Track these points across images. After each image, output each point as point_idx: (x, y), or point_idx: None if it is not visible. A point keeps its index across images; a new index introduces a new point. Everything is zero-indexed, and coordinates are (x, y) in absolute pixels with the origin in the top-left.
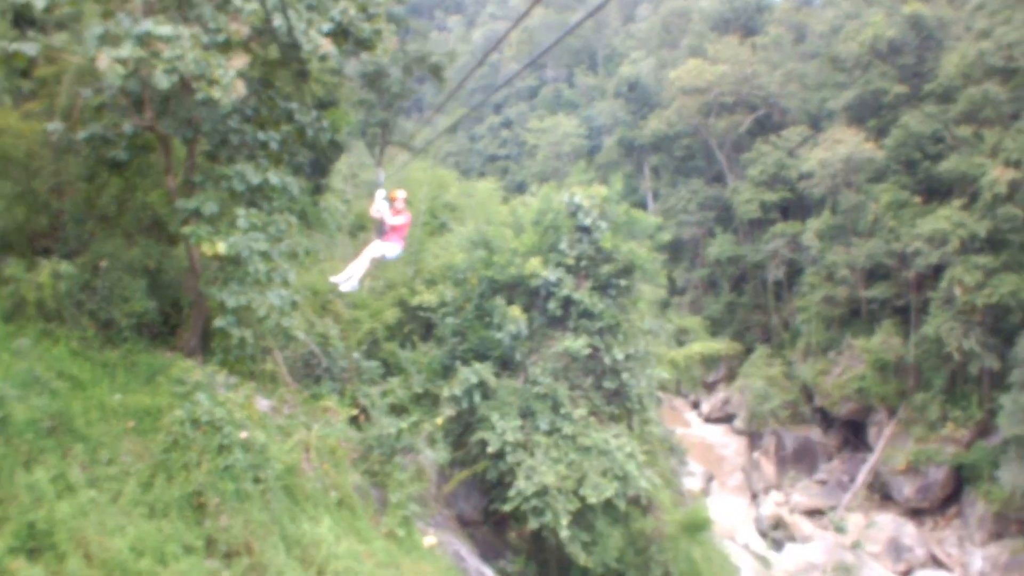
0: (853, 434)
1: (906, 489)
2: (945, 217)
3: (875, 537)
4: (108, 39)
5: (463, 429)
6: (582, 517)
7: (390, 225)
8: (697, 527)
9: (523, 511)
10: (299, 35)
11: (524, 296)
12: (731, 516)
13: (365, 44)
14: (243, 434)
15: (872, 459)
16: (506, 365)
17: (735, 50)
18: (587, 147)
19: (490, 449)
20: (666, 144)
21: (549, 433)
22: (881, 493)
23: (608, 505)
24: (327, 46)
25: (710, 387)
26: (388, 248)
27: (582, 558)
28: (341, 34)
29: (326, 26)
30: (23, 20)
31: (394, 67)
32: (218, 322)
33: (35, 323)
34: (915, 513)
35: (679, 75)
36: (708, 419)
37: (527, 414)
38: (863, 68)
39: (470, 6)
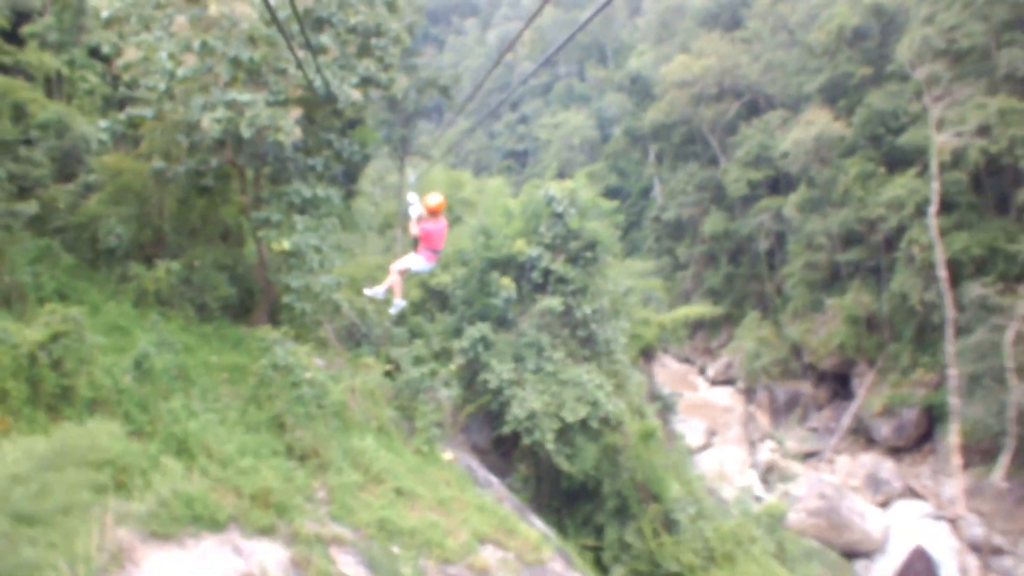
0: (841, 386)
1: (884, 430)
2: (902, 185)
3: (856, 473)
4: (207, 106)
5: (471, 374)
6: (564, 435)
7: (415, 235)
8: (649, 436)
9: (518, 432)
10: (335, 90)
11: (513, 269)
12: (732, 464)
13: (384, 87)
14: (308, 374)
15: (854, 406)
16: (502, 323)
17: (718, 44)
18: (598, 138)
19: (491, 386)
20: (664, 132)
21: (535, 372)
22: (864, 436)
23: (583, 424)
24: (356, 95)
25: (714, 353)
26: (414, 261)
27: (566, 466)
28: (366, 83)
29: (354, 79)
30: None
31: (410, 90)
32: (285, 299)
33: (154, 308)
34: (894, 451)
35: (669, 70)
36: (713, 382)
37: (518, 359)
38: (831, 54)
39: (484, 8)
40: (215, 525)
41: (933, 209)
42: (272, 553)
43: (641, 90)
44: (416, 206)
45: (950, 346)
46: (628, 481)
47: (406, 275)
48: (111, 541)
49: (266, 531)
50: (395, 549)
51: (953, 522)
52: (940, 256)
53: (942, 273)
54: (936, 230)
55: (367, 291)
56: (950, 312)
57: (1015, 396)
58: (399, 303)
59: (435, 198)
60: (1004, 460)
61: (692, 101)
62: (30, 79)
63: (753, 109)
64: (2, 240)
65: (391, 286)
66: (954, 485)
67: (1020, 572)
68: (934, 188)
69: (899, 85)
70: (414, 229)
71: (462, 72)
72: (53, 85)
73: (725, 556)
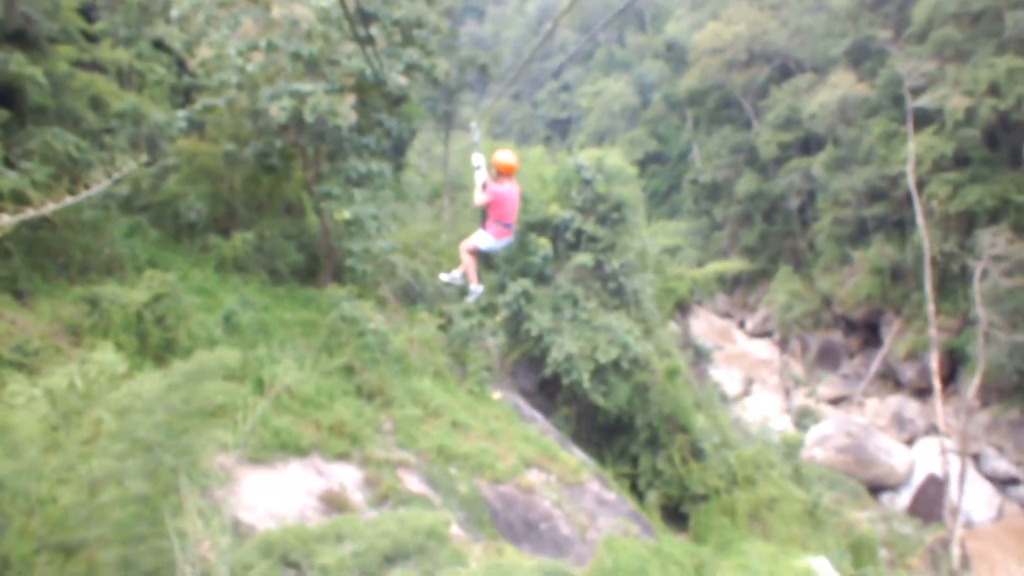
0: (870, 334)
1: (909, 373)
2: (920, 142)
3: (883, 413)
4: (274, 96)
5: (515, 324)
6: (598, 374)
7: (482, 204)
8: (674, 373)
9: (559, 374)
10: (384, 76)
11: (549, 230)
12: (768, 410)
13: (427, 72)
14: (372, 325)
15: (881, 352)
16: (540, 278)
17: (747, 11)
18: (638, 104)
19: (533, 334)
20: (700, 98)
21: (571, 320)
22: (892, 380)
23: (615, 365)
24: (402, 80)
25: (752, 307)
26: (482, 239)
27: (601, 402)
28: (410, 69)
29: (400, 66)
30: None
31: (451, 70)
32: (348, 262)
33: (232, 273)
34: (918, 393)
35: (702, 37)
36: (752, 335)
37: (556, 309)
38: (855, 19)
39: None
40: (299, 452)
41: (910, 166)
42: (348, 474)
43: (677, 56)
44: (482, 170)
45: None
46: (657, 415)
47: (479, 256)
48: (217, 464)
49: (342, 456)
50: (452, 470)
51: (975, 456)
52: (920, 212)
53: (920, 221)
54: (914, 185)
55: (443, 276)
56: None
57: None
58: (475, 289)
59: (507, 156)
60: (975, 381)
61: (724, 67)
62: (104, 73)
63: (784, 73)
64: (101, 218)
65: (465, 270)
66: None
67: None
68: (910, 148)
69: (917, 47)
70: (480, 197)
71: (503, 42)
72: (124, 77)
73: (746, 479)
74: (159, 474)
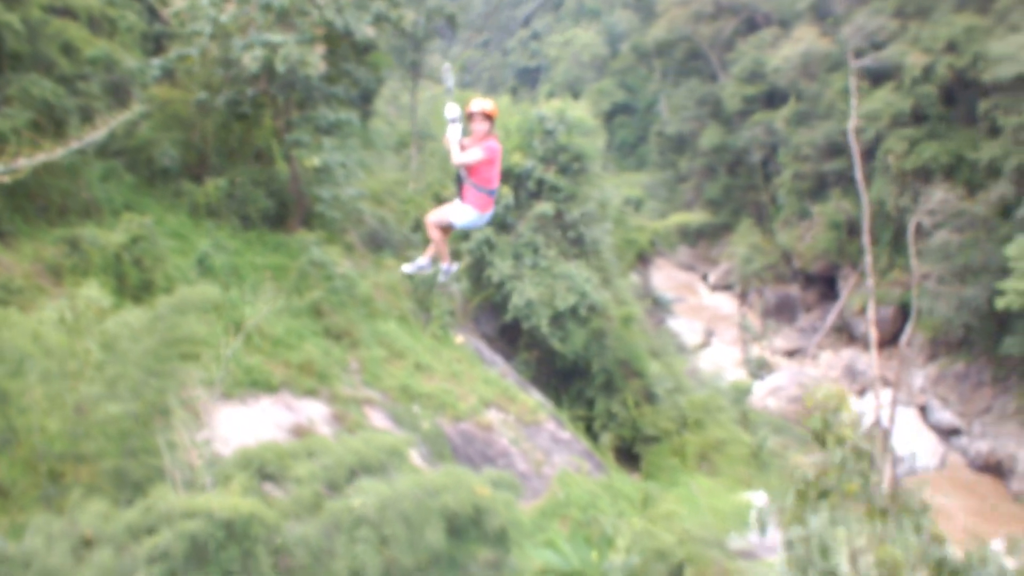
0: (828, 288)
1: (862, 327)
2: (879, 98)
3: (836, 365)
4: (247, 46)
5: (478, 271)
6: (556, 320)
7: (460, 165)
8: (628, 320)
9: (519, 319)
10: (352, 27)
11: (512, 179)
12: (726, 361)
13: (395, 23)
14: (339, 269)
15: (837, 306)
16: (502, 227)
17: None
18: (607, 54)
19: (495, 280)
20: (667, 49)
21: (532, 267)
22: (846, 333)
23: (573, 312)
24: (370, 31)
25: (715, 260)
26: (461, 213)
27: (559, 347)
28: (378, 20)
29: (368, 18)
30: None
31: (418, 20)
32: (317, 208)
33: (205, 218)
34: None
35: None
36: (714, 288)
37: (517, 256)
38: None
39: None
40: (270, 388)
41: (851, 123)
42: (316, 410)
43: (646, 6)
44: (457, 124)
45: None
46: (613, 360)
47: (450, 232)
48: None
49: (311, 393)
50: (415, 408)
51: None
52: (859, 167)
53: (858, 175)
54: (855, 142)
55: (406, 268)
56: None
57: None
58: (447, 268)
59: (486, 103)
60: (909, 330)
61: (692, 18)
62: (76, 19)
63: (750, 26)
64: (78, 163)
65: (435, 252)
66: (923, 374)
67: (972, 447)
68: (852, 104)
69: (879, 3)
70: (470, 155)
71: None
72: (95, 24)
73: (696, 422)
74: (148, 395)
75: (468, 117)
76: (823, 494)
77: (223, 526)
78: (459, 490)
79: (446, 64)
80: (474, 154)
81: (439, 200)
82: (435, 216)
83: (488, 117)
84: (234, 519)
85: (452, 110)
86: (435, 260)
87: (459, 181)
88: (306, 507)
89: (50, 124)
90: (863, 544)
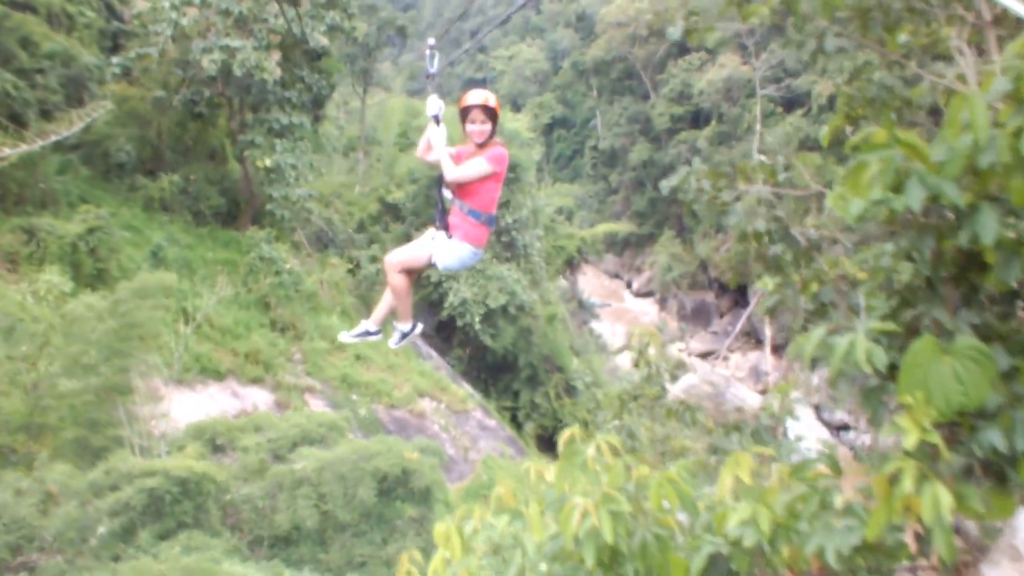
0: (740, 295)
1: (768, 331)
2: (790, 123)
3: (743, 367)
4: (206, 49)
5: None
6: (488, 318)
7: (454, 183)
8: (552, 318)
9: (454, 317)
10: (307, 36)
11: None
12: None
13: (348, 33)
14: (287, 266)
15: (747, 312)
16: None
17: None
18: (549, 70)
19: (432, 280)
20: (604, 68)
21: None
22: (755, 337)
23: (504, 310)
24: (324, 40)
25: (639, 269)
26: (452, 252)
27: (490, 342)
28: (332, 30)
29: (323, 27)
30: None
31: (370, 31)
32: (268, 207)
33: (159, 213)
34: (776, 349)
35: (608, 11)
36: (637, 294)
37: None
38: (743, 4)
39: None
40: (218, 376)
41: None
42: (261, 397)
43: (587, 27)
44: (442, 126)
45: None
46: (538, 355)
47: (415, 278)
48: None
49: (256, 381)
50: (353, 396)
51: (816, 406)
52: None
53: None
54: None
55: (344, 336)
56: None
57: None
58: (406, 330)
59: (488, 95)
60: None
61: (628, 40)
62: (35, 13)
63: (681, 50)
64: (35, 155)
65: (392, 307)
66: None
67: (858, 440)
68: (756, 130)
69: (797, 36)
70: (455, 171)
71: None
72: (54, 19)
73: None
74: (108, 372)
75: (462, 114)
76: (635, 398)
77: (178, 483)
78: (390, 455)
79: (430, 39)
80: (479, 167)
81: (384, 204)
82: (401, 256)
83: (491, 114)
84: (188, 477)
85: (434, 104)
86: (389, 320)
87: (441, 205)
88: (253, 471)
89: (8, 116)
90: (662, 433)
